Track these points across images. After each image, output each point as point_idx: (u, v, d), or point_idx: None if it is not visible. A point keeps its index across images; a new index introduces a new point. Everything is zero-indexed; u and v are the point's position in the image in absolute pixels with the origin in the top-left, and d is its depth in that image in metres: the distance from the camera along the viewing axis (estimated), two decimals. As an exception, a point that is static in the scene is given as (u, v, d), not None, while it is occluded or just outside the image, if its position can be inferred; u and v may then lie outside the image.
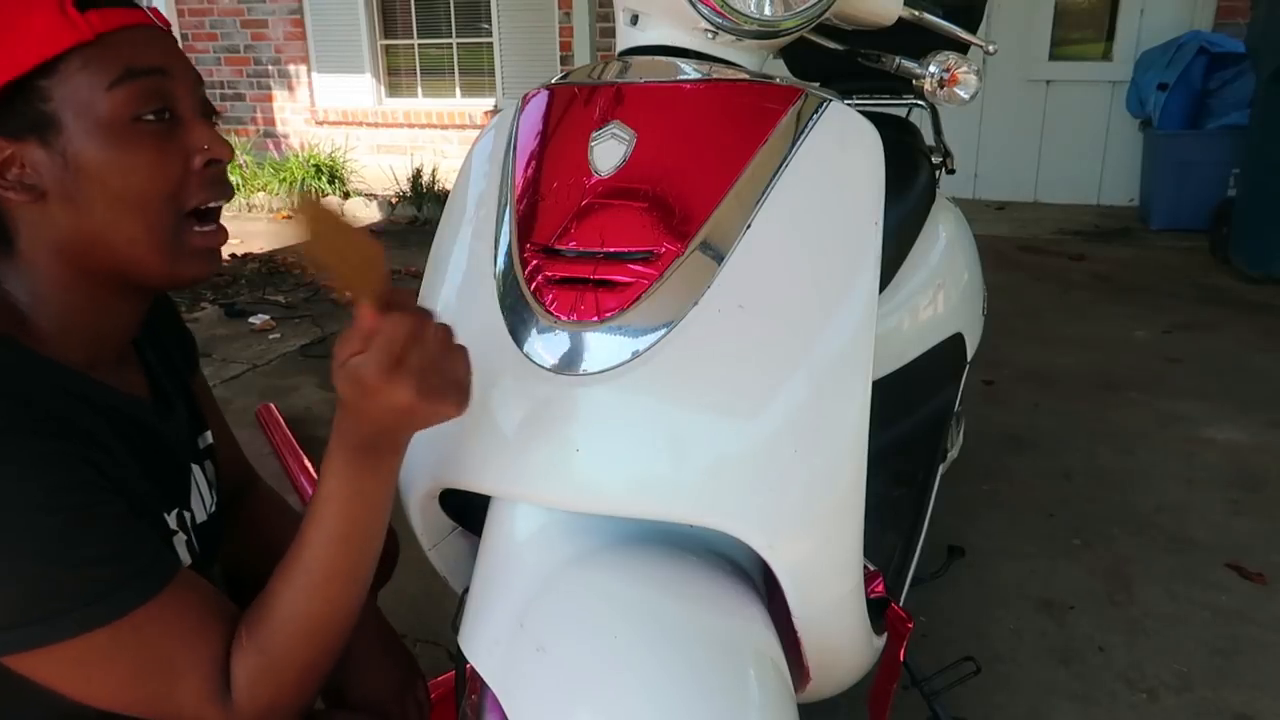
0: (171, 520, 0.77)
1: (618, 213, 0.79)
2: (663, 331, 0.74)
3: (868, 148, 0.85)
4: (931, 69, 1.13)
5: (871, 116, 0.88)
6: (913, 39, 1.17)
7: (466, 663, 0.76)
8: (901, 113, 1.86)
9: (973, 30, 1.27)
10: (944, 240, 1.75)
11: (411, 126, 6.53)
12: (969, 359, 1.79)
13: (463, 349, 0.66)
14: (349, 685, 0.88)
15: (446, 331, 0.65)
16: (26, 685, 0.64)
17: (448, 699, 1.09)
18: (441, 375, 0.63)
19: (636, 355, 0.74)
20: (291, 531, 0.72)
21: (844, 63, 1.26)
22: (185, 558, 0.77)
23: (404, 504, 0.88)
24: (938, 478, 1.52)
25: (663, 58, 0.89)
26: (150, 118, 0.70)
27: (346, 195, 5.84)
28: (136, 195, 0.70)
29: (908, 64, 1.15)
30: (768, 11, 0.86)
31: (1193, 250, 4.36)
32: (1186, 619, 1.72)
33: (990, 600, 1.78)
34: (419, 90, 6.60)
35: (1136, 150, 5.11)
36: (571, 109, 0.88)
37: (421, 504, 0.86)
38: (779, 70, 1.19)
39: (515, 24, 6.08)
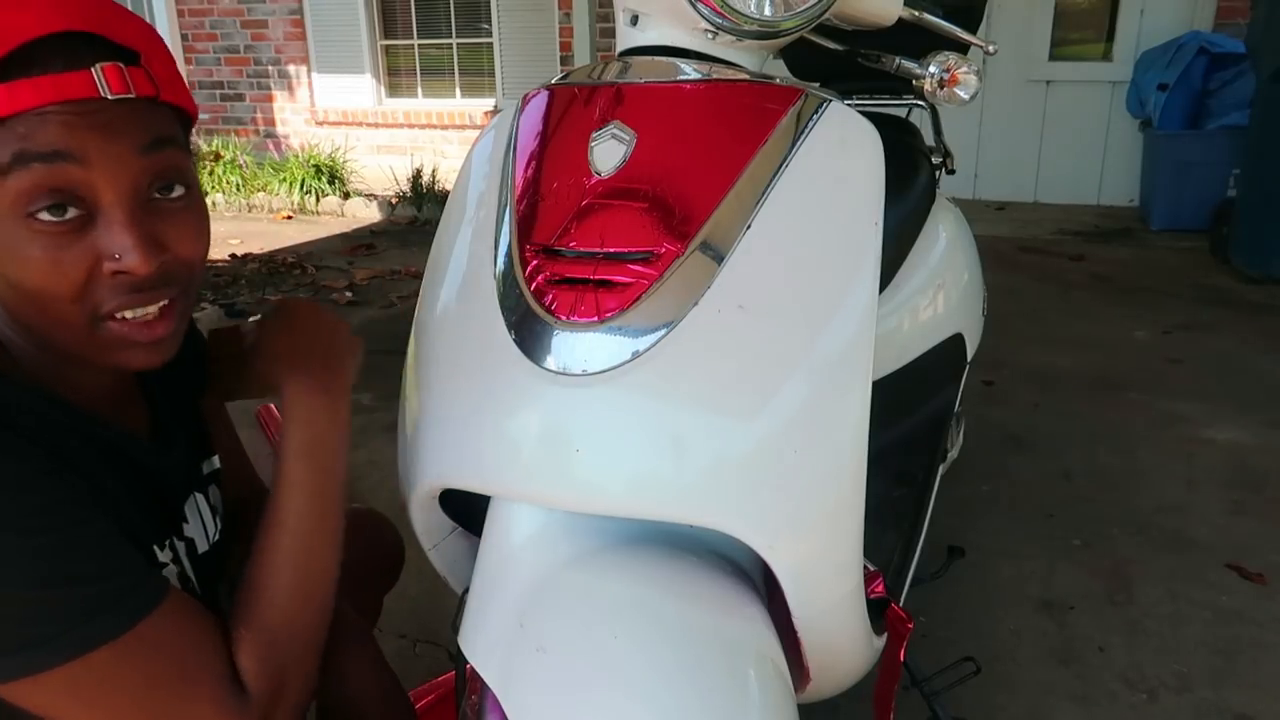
0: (163, 554, 0.75)
1: (618, 213, 0.79)
2: (663, 332, 0.74)
3: (868, 148, 0.84)
4: (931, 69, 1.13)
5: (871, 117, 0.88)
6: (913, 39, 1.17)
7: (466, 663, 0.76)
8: (901, 113, 1.86)
9: (973, 30, 1.26)
10: (944, 240, 1.74)
11: (411, 127, 6.53)
12: (969, 359, 1.79)
13: (309, 306, 0.85)
14: None
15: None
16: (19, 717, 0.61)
17: (448, 699, 1.10)
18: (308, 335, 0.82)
19: (636, 355, 0.73)
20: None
21: (844, 63, 1.26)
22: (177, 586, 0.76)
23: (404, 504, 0.88)
24: (938, 478, 1.52)
25: (663, 58, 0.89)
26: (45, 215, 0.60)
27: (346, 195, 5.84)
28: (34, 292, 0.62)
29: (908, 64, 1.15)
30: (768, 12, 0.86)
31: (1193, 250, 4.36)
32: (1186, 619, 1.71)
33: (990, 600, 1.78)
34: (419, 90, 6.60)
35: (1136, 150, 5.12)
36: (571, 109, 0.88)
37: (422, 504, 0.86)
38: (779, 70, 1.19)
39: (515, 24, 6.09)
